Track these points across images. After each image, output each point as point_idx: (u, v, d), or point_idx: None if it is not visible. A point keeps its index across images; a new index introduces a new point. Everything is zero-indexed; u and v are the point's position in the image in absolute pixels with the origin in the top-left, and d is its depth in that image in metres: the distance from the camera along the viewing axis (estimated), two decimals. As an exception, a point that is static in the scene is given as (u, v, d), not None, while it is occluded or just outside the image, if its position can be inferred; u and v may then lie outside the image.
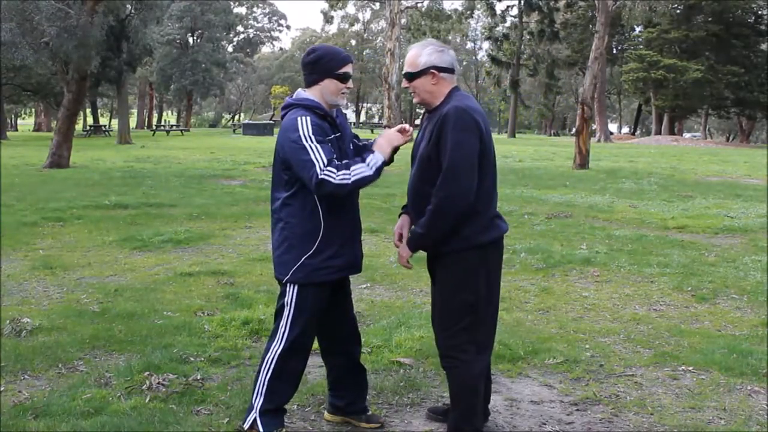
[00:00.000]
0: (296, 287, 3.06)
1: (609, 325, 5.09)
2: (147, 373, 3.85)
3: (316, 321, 3.17)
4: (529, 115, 67.18)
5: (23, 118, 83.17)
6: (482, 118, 2.94)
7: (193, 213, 10.23)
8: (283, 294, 3.12)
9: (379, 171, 2.95)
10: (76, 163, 19.06)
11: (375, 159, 2.96)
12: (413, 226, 3.05)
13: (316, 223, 3.00)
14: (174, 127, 49.66)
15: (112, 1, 22.79)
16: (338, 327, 3.30)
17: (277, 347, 3.11)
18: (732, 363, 4.23)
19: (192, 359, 4.17)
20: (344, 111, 3.31)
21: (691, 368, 4.20)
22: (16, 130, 65.91)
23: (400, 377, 3.98)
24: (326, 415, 3.46)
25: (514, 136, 52.79)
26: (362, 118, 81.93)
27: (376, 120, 77.16)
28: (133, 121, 57.79)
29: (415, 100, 3.11)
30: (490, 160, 2.96)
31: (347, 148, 3.16)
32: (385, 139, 3.04)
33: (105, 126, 49.13)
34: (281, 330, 3.11)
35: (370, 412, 3.43)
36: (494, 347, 3.50)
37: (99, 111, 63.14)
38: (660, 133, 52.60)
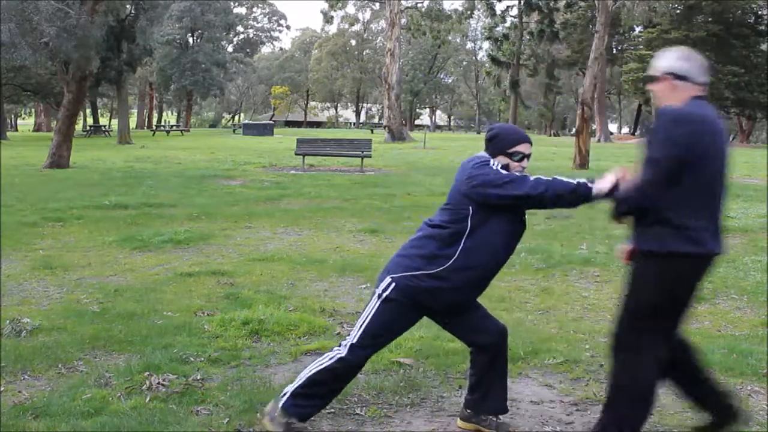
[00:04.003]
0: (394, 288, 3.08)
1: (609, 326, 5.07)
2: (147, 373, 3.85)
3: (386, 339, 3.22)
4: (529, 115, 67.10)
5: (23, 119, 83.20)
6: (700, 128, 2.85)
7: (193, 213, 10.23)
8: (377, 291, 3.13)
9: (584, 190, 3.08)
10: (76, 163, 19.06)
11: (583, 180, 3.10)
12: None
13: (451, 252, 3.06)
14: (174, 128, 49.64)
15: (112, 1, 22.80)
16: (472, 321, 3.31)
17: (336, 354, 3.13)
18: (732, 363, 4.22)
19: (192, 359, 4.17)
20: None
21: (691, 368, 4.19)
22: (16, 130, 65.90)
23: (400, 377, 3.97)
24: (458, 422, 3.43)
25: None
26: (362, 118, 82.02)
27: (376, 120, 77.21)
28: (133, 122, 57.82)
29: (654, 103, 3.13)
30: (702, 171, 2.83)
31: None
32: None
33: (105, 126, 49.08)
34: (354, 334, 3.15)
35: (501, 420, 3.35)
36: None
37: (99, 111, 63.17)
38: (660, 133, 52.53)
